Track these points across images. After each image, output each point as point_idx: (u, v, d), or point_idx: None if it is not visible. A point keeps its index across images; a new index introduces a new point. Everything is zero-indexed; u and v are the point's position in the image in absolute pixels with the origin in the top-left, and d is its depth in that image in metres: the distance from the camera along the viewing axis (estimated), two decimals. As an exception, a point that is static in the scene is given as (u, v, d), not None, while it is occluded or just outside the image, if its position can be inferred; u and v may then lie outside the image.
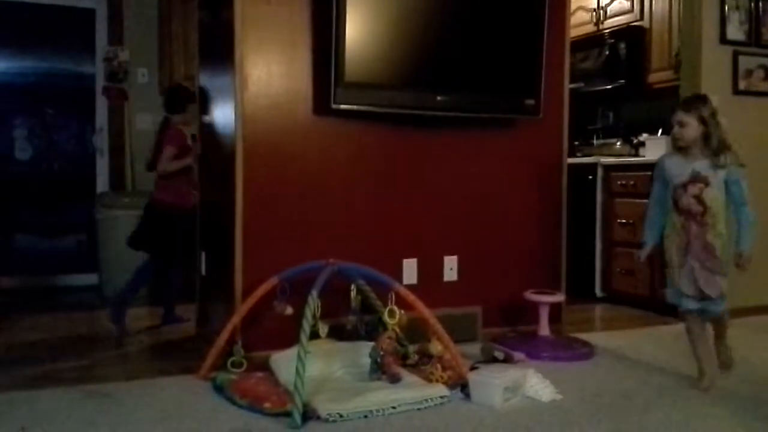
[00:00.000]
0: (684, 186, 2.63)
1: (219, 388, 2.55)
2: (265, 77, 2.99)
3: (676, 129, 2.65)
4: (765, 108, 4.22)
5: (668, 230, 2.71)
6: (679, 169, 2.66)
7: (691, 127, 2.60)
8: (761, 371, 2.94)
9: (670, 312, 4.07)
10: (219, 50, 3.15)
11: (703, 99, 2.69)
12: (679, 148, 2.66)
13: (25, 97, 5.19)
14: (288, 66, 3.03)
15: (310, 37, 3.05)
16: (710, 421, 2.33)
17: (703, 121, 2.59)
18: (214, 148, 3.32)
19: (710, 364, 2.69)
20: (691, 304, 2.66)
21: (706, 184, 2.60)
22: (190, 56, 4.65)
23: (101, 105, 5.10)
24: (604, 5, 5.08)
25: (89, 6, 5.08)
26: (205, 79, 3.50)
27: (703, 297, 2.63)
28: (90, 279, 4.90)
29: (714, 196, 2.60)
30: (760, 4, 4.18)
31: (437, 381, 2.59)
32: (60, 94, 5.26)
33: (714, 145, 2.59)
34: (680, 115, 2.63)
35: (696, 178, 2.61)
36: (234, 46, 2.93)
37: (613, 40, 4.92)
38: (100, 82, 5.07)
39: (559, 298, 3.45)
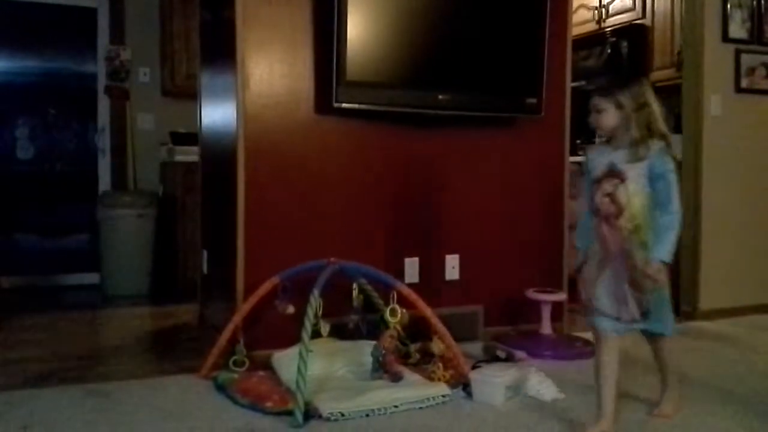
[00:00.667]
0: (599, 182, 2.18)
1: (220, 388, 2.55)
2: (267, 76, 2.99)
3: (592, 116, 2.19)
4: (767, 105, 4.21)
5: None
6: (598, 162, 2.21)
7: (608, 113, 2.15)
8: (761, 370, 2.94)
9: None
10: (221, 49, 3.15)
11: (624, 82, 2.19)
12: (607, 139, 2.23)
13: (27, 96, 5.19)
14: (289, 65, 3.03)
15: (312, 36, 3.05)
16: (710, 420, 2.33)
17: (620, 106, 2.13)
18: (215, 147, 3.32)
19: (609, 403, 2.17)
20: (607, 325, 2.16)
21: (622, 180, 2.12)
22: (191, 55, 4.65)
23: (103, 104, 5.10)
24: (606, 3, 5.07)
25: (91, 5, 5.08)
26: (206, 79, 3.50)
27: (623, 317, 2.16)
28: (92, 278, 4.90)
29: (632, 193, 2.11)
30: (763, 2, 4.17)
31: (439, 380, 2.59)
32: (62, 93, 5.26)
33: (634, 135, 2.12)
34: (596, 100, 2.18)
35: (611, 172, 2.15)
36: (236, 46, 2.93)
37: (615, 39, 4.91)
38: (101, 82, 5.07)
39: (561, 296, 3.45)
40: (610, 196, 2.14)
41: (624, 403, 2.48)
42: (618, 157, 2.15)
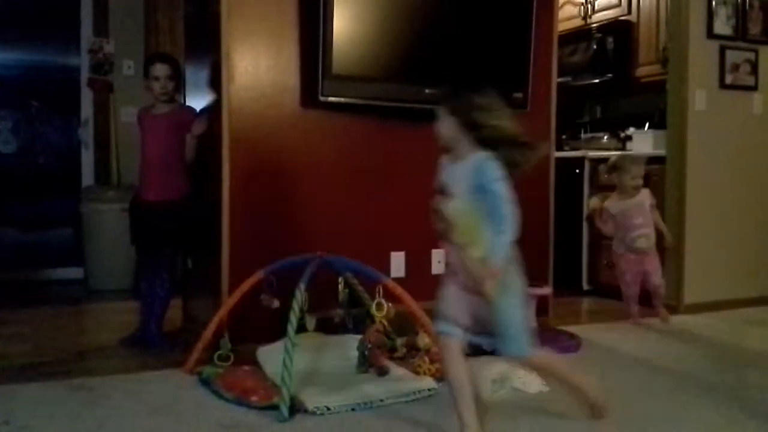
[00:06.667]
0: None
1: (206, 382, 2.54)
2: (252, 70, 2.97)
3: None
4: (751, 102, 4.25)
5: None
6: (442, 175, 2.09)
7: (443, 122, 2.04)
8: (744, 363, 2.96)
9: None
10: (206, 42, 3.13)
11: (461, 92, 2.08)
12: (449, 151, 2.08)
13: (9, 89, 5.13)
14: (275, 58, 3.01)
15: (298, 30, 3.04)
16: (693, 412, 2.35)
17: (454, 113, 2.02)
18: (200, 141, 3.29)
19: (471, 416, 1.99)
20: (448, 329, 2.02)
21: (450, 195, 2.01)
22: (176, 48, 4.63)
23: (86, 97, 5.05)
24: (591, -1, 5.09)
25: (74, -3, 5.03)
26: (191, 72, 3.47)
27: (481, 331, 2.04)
28: (75, 273, 4.86)
29: (458, 208, 1.98)
30: (747, -2, 4.21)
31: (425, 374, 2.59)
32: (45, 86, 5.21)
33: (462, 147, 2.00)
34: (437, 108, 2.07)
35: (441, 186, 2.05)
36: (220, 38, 2.91)
37: (600, 35, 4.93)
38: (85, 74, 5.02)
39: (546, 291, 3.46)
40: (439, 212, 2.03)
41: (610, 393, 2.50)
42: (452, 170, 2.03)
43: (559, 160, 3.87)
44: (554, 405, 2.39)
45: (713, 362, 2.97)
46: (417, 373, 2.60)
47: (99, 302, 4.23)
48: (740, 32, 4.19)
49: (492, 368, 2.52)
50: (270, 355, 2.59)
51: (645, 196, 3.57)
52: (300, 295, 2.48)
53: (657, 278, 3.66)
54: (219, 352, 2.76)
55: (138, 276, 3.54)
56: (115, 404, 2.35)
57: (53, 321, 3.68)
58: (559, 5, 4.18)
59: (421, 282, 3.26)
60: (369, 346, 2.61)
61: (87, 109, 5.05)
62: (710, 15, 4.07)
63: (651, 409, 2.38)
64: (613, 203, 3.59)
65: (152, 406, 2.35)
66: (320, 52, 2.90)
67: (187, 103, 3.55)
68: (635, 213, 3.53)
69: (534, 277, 3.50)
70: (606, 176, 3.86)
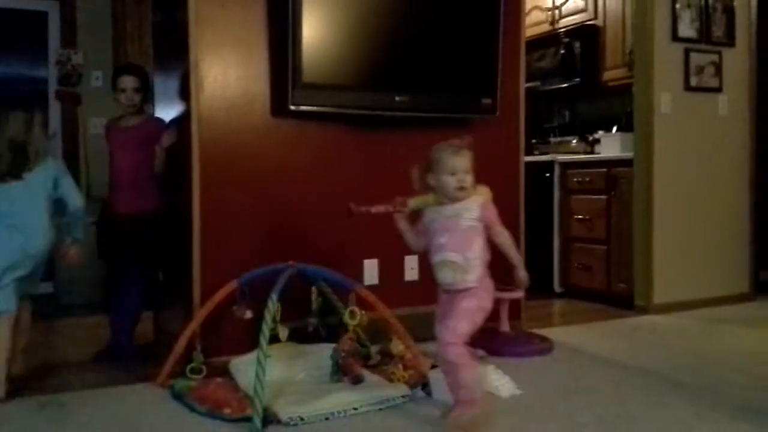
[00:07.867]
0: None
1: (178, 396, 2.52)
2: (222, 79, 2.96)
3: None
4: (716, 103, 4.33)
5: None
6: None
7: None
8: (712, 361, 3.01)
9: (626, 305, 4.17)
10: (174, 52, 3.11)
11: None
12: None
13: (-25, 102, 5.05)
14: (245, 68, 3.00)
15: (267, 39, 3.03)
16: (666, 411, 2.38)
17: None
18: (170, 150, 3.27)
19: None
20: None
21: None
22: (145, 58, 4.59)
23: (55, 109, 4.99)
24: (558, 4, 5.15)
25: (41, 9, 4.97)
26: (160, 82, 3.45)
27: None
28: (45, 288, 4.77)
29: None
30: (710, 1, 4.28)
31: (399, 380, 2.59)
32: (12, 98, 5.12)
33: None
34: None
35: None
36: (189, 48, 2.90)
37: (568, 39, 4.99)
38: (53, 86, 4.96)
39: (519, 294, 3.48)
40: None
41: (584, 395, 2.52)
42: None
43: (529, 165, 3.91)
44: (527, 408, 2.41)
45: (683, 361, 3.01)
46: (391, 380, 2.60)
47: (69, 317, 4.17)
48: (704, 35, 4.27)
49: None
50: (243, 367, 2.58)
51: (469, 206, 2.34)
52: (272, 306, 2.47)
53: (447, 332, 2.24)
54: (191, 364, 2.74)
55: (108, 290, 3.54)
56: (86, 420, 2.32)
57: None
58: (527, 11, 4.22)
59: (395, 289, 3.27)
60: (342, 354, 2.60)
61: (55, 122, 4.99)
62: (674, 18, 4.15)
63: (624, 408, 2.41)
64: (431, 208, 2.37)
65: (124, 420, 2.32)
66: (290, 61, 2.90)
67: (156, 114, 3.52)
68: (442, 227, 2.29)
69: (506, 281, 3.54)
70: (425, 179, 2.44)
